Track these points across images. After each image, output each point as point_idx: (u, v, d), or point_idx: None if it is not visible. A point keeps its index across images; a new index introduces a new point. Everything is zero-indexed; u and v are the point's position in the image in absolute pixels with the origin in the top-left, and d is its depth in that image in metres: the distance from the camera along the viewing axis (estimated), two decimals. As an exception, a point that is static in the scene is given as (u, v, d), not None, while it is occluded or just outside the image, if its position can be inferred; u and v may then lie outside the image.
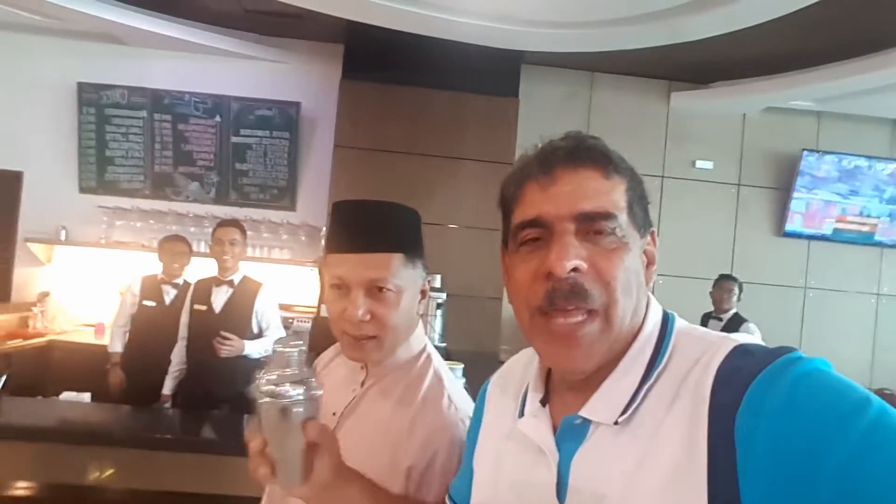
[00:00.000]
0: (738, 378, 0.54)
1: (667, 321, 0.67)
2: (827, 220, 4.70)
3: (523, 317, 0.67)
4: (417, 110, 4.18)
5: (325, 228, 4.21)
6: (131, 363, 3.35)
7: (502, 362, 1.00)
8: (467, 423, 0.92)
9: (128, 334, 3.39)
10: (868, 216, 4.70)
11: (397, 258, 0.97)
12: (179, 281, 3.41)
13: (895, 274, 4.84)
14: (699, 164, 4.70)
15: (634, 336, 0.65)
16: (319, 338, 3.96)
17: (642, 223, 0.66)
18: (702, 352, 0.60)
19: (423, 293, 1.04)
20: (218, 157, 4.52)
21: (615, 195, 0.64)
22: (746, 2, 3.08)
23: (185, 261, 3.45)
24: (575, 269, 0.61)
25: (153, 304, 3.36)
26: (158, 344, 3.17)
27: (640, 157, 4.68)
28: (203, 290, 3.09)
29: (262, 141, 4.52)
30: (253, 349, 2.98)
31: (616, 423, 0.61)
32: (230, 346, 2.90)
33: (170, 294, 3.40)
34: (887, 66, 3.63)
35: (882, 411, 0.48)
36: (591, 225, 0.62)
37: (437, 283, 3.77)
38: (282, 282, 3.24)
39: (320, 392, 0.73)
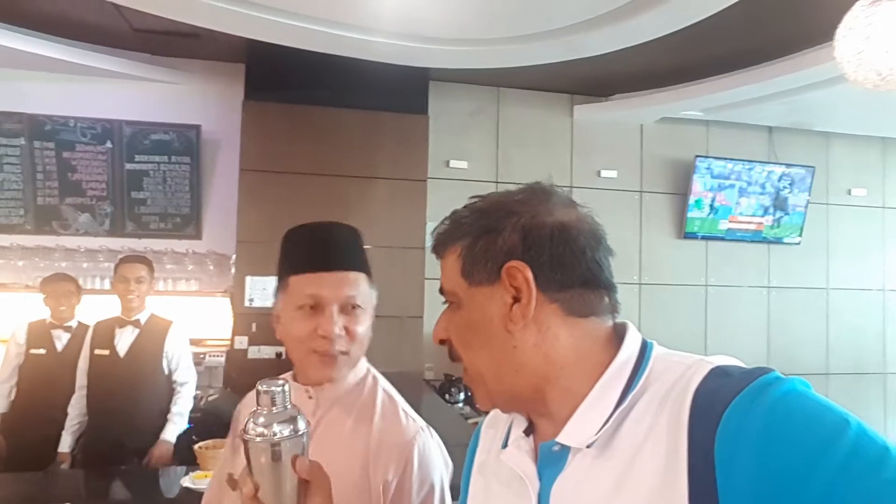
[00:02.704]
0: (715, 400, 0.55)
1: (645, 348, 0.67)
2: (721, 221, 5.04)
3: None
4: (326, 130, 4.09)
5: (234, 257, 4.01)
6: (21, 421, 2.98)
7: (427, 381, 1.03)
8: (426, 431, 1.01)
9: (14, 390, 3.03)
10: (754, 215, 5.09)
11: (363, 277, 1.04)
12: (72, 323, 3.11)
13: (781, 267, 5.26)
14: (604, 173, 4.91)
15: (607, 364, 0.66)
16: (233, 371, 3.75)
17: (483, 272, 0.68)
18: (679, 375, 0.61)
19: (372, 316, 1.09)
20: (111, 185, 4.20)
21: (447, 271, 0.73)
22: (638, 20, 3.26)
23: (74, 301, 3.16)
24: (441, 341, 0.73)
25: (43, 351, 3.03)
26: (52, 396, 2.87)
27: (547, 169, 4.87)
28: (104, 332, 2.84)
29: (160, 167, 4.25)
30: (175, 431, 2.79)
31: (589, 446, 0.62)
32: (159, 455, 2.72)
33: (62, 339, 3.09)
34: (764, 78, 3.96)
35: (859, 434, 0.49)
36: (445, 299, 0.74)
37: (357, 306, 3.69)
38: (190, 315, 3.04)
39: (307, 428, 0.74)
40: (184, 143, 4.31)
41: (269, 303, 4.01)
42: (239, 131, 4.07)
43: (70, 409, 2.84)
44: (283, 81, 4.02)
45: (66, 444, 2.80)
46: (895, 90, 2.68)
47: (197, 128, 4.30)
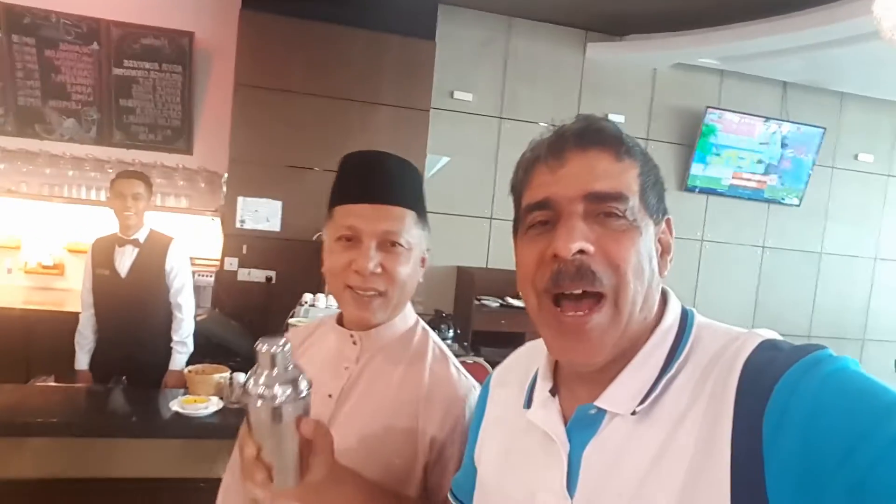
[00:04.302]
0: (766, 373, 0.53)
1: (686, 316, 0.66)
2: (724, 176, 4.97)
3: (531, 302, 0.65)
4: (328, 49, 3.87)
5: (225, 175, 3.88)
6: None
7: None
8: (478, 390, 0.94)
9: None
10: (760, 173, 5.01)
11: (410, 215, 0.96)
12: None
13: (778, 228, 5.24)
14: (611, 117, 4.72)
15: (652, 329, 0.63)
16: (222, 293, 3.71)
17: (656, 209, 0.64)
18: (725, 345, 0.59)
19: (423, 261, 1.01)
20: (98, 90, 3.98)
21: (627, 178, 0.62)
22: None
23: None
24: (581, 252, 0.60)
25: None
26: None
27: (555, 108, 4.72)
28: (104, 250, 2.75)
29: (150, 74, 4.03)
30: (182, 359, 2.78)
31: (634, 413, 0.59)
32: (173, 385, 2.67)
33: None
34: (790, 30, 3.78)
35: None
36: (601, 206, 0.61)
37: (351, 236, 3.61)
38: (179, 232, 2.94)
39: (309, 388, 0.71)
40: (176, 50, 4.07)
41: (261, 225, 3.97)
42: (234, 43, 3.85)
43: (81, 328, 2.79)
44: (284, -9, 3.77)
45: (83, 363, 2.77)
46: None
47: (190, 35, 4.06)
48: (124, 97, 4.02)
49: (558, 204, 0.62)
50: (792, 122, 4.97)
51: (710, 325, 0.65)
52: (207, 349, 2.90)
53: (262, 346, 0.68)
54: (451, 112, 4.46)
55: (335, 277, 0.95)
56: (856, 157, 5.34)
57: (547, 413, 0.67)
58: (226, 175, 3.91)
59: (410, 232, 0.95)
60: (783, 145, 4.98)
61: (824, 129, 5.01)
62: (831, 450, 0.47)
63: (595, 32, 4.70)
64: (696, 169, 4.88)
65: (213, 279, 3.80)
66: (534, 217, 0.64)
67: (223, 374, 2.30)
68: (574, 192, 0.61)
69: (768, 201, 5.15)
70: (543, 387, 0.70)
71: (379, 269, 0.92)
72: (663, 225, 0.66)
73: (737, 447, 0.52)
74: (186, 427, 2.02)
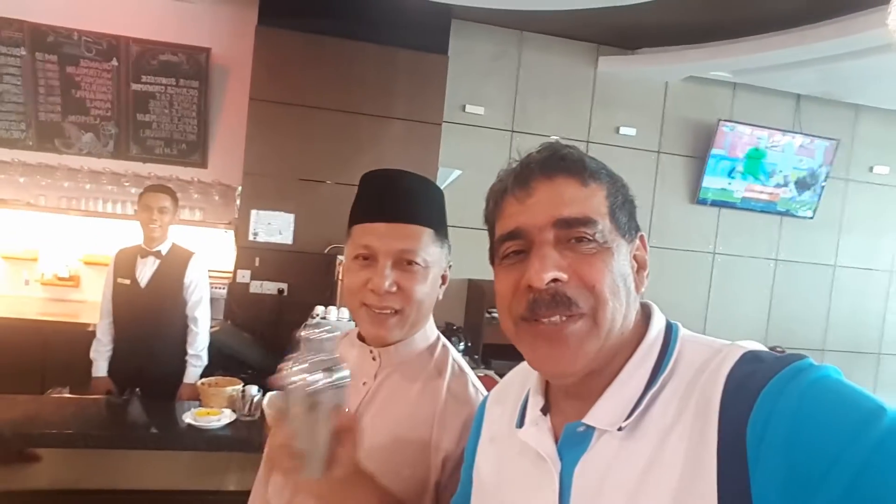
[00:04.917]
0: (749, 384, 0.54)
1: (670, 329, 0.66)
2: (737, 189, 4.94)
3: (508, 326, 0.67)
4: (341, 63, 3.92)
5: (239, 189, 3.93)
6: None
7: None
8: None
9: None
10: (773, 186, 4.98)
11: (428, 233, 0.95)
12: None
13: (791, 241, 5.19)
14: (623, 130, 4.76)
15: (636, 344, 0.64)
16: (235, 305, 3.74)
17: (627, 228, 0.66)
18: (708, 358, 0.60)
19: (444, 278, 1.01)
20: (116, 106, 4.06)
21: (594, 201, 0.64)
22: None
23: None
24: (555, 280, 0.61)
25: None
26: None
27: (567, 121, 4.74)
28: (126, 261, 2.83)
29: (167, 90, 4.11)
30: (197, 372, 2.81)
31: (620, 429, 0.60)
32: (188, 398, 2.71)
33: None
34: (803, 42, 3.77)
35: (895, 421, 0.48)
36: (570, 232, 0.62)
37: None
38: (192, 245, 2.98)
39: (349, 378, 0.72)
40: (193, 66, 4.15)
41: (273, 238, 4.00)
42: (250, 58, 3.91)
43: (100, 335, 2.84)
44: (299, 8, 3.83)
45: (102, 370, 2.81)
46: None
47: (207, 51, 4.13)
48: (141, 112, 4.10)
49: (529, 233, 0.63)
50: (805, 135, 4.93)
51: (693, 339, 0.65)
52: (219, 361, 2.93)
53: (308, 333, 0.70)
54: (462, 126, 4.49)
55: (352, 295, 0.95)
56: (871, 169, 5.29)
57: (538, 432, 0.68)
58: (240, 188, 3.96)
59: (427, 250, 0.94)
60: (797, 158, 4.95)
61: (837, 140, 4.98)
62: (816, 459, 0.48)
63: (607, 46, 4.71)
64: (708, 181, 4.86)
65: (225, 291, 3.84)
66: (507, 247, 0.66)
67: (236, 387, 2.32)
68: (543, 220, 0.63)
69: (781, 214, 5.11)
70: (535, 406, 0.70)
71: (394, 288, 0.92)
72: (637, 242, 0.67)
73: (722, 459, 0.52)
74: (199, 439, 2.04)
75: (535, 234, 0.63)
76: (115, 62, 4.02)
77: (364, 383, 0.99)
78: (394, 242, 0.92)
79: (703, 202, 4.92)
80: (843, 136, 5.06)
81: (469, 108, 4.51)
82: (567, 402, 0.67)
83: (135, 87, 4.07)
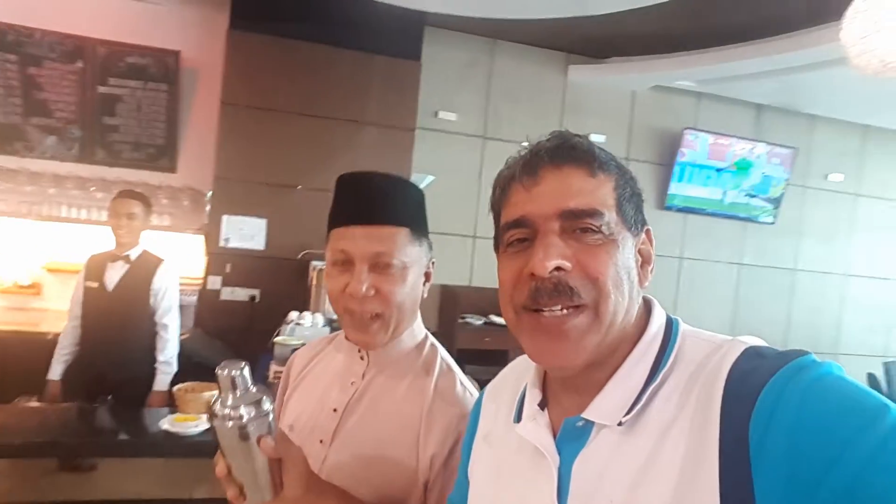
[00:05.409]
0: (751, 381, 0.54)
1: (671, 325, 0.66)
2: (702, 195, 5.08)
3: (509, 316, 0.66)
4: (314, 68, 3.91)
5: (210, 194, 3.87)
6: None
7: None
8: None
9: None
10: (737, 193, 5.14)
11: (403, 233, 0.94)
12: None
13: (755, 246, 5.36)
14: (593, 137, 4.76)
15: (637, 338, 0.64)
16: (205, 312, 3.68)
17: (634, 221, 0.65)
18: (709, 354, 0.60)
19: (428, 276, 1.00)
20: (81, 108, 3.96)
21: (601, 192, 0.63)
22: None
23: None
24: (559, 269, 0.60)
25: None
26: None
27: (538, 128, 4.69)
28: (97, 265, 2.79)
29: (134, 92, 4.03)
30: (167, 380, 2.76)
31: (620, 423, 0.60)
32: (157, 406, 2.67)
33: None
34: (764, 54, 3.92)
35: None
36: (577, 222, 0.61)
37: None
38: (162, 251, 2.93)
39: (271, 407, 0.74)
40: (161, 68, 4.08)
41: (245, 244, 3.96)
42: (221, 61, 3.88)
43: (62, 338, 2.79)
44: (271, 12, 3.81)
45: (55, 373, 2.75)
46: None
47: (176, 54, 4.07)
48: (108, 115, 4.01)
49: (534, 222, 0.62)
50: (766, 143, 5.12)
51: (694, 334, 0.65)
52: (189, 369, 2.88)
53: (223, 371, 0.71)
54: (435, 132, 4.52)
55: (335, 301, 0.95)
56: (826, 176, 5.51)
57: (536, 427, 0.67)
58: (210, 193, 3.90)
59: (404, 251, 0.93)
60: (758, 165, 5.12)
61: (796, 149, 5.17)
62: (818, 456, 0.48)
63: (576, 55, 4.81)
64: (674, 188, 4.99)
65: (195, 298, 3.77)
66: (511, 235, 0.65)
67: (213, 392, 2.28)
68: (549, 209, 0.62)
69: (744, 220, 5.27)
70: (532, 400, 0.70)
71: (372, 292, 0.91)
72: (643, 235, 0.66)
73: (724, 455, 0.52)
74: (176, 446, 2.01)
75: (540, 223, 0.62)
76: (80, 64, 3.92)
77: (352, 383, 1.00)
78: (368, 245, 0.91)
79: (670, 208, 5.05)
80: (801, 144, 5.26)
81: (442, 115, 4.54)
82: (566, 395, 0.67)
83: (101, 89, 3.98)
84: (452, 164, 4.53)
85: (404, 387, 0.97)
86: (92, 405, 2.51)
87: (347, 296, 0.92)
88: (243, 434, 0.71)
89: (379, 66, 4.04)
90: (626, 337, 0.63)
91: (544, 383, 0.71)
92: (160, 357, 2.77)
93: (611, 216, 0.62)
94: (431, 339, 1.06)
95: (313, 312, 3.06)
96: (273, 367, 2.51)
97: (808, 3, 3.42)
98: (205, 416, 2.13)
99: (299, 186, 3.87)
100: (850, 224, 5.64)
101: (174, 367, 2.81)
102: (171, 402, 2.56)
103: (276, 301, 3.62)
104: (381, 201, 0.94)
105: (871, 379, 4.20)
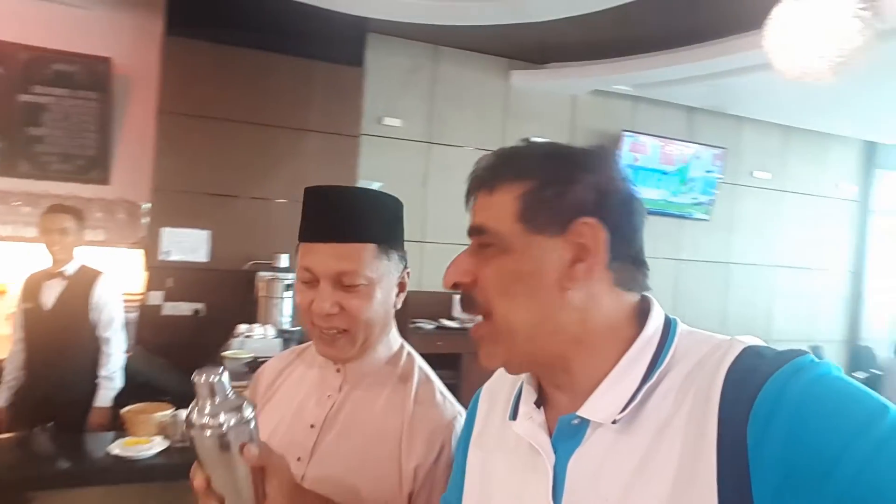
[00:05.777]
0: (749, 380, 0.54)
1: (669, 324, 0.66)
2: (652, 197, 5.27)
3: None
4: (255, 75, 3.83)
5: (147, 206, 3.72)
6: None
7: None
8: (464, 416, 0.91)
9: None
10: (672, 191, 5.36)
11: (369, 249, 0.92)
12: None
13: (691, 242, 5.60)
14: (535, 140, 4.95)
15: (634, 338, 0.63)
16: (147, 329, 3.53)
17: (548, 223, 0.63)
18: (708, 352, 0.60)
19: (402, 286, 0.99)
20: (1, 118, 3.73)
21: (495, 209, 0.66)
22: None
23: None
24: (456, 285, 0.66)
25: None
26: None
27: (482, 133, 4.86)
28: (33, 284, 2.67)
29: (61, 101, 3.82)
30: (109, 395, 2.65)
31: (615, 421, 0.59)
32: (98, 424, 2.57)
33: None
34: (695, 60, 4.11)
35: None
36: (478, 239, 0.66)
37: (284, 264, 3.55)
38: (98, 267, 2.80)
39: (253, 415, 0.71)
40: (91, 76, 3.89)
41: (188, 256, 3.83)
42: (156, 69, 3.73)
43: (7, 363, 2.66)
44: (209, 18, 3.70)
45: (1, 400, 2.62)
46: (814, 82, 2.86)
47: (107, 61, 3.90)
48: (32, 125, 3.79)
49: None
50: (698, 144, 5.36)
51: (692, 333, 0.65)
52: (132, 389, 2.76)
53: (201, 377, 0.68)
54: (380, 138, 4.50)
55: (303, 315, 0.95)
56: (752, 174, 5.82)
57: (532, 425, 0.67)
58: (147, 205, 3.75)
59: (370, 267, 0.92)
60: (691, 164, 5.36)
61: (726, 148, 5.44)
62: (818, 457, 0.48)
63: (518, 60, 4.90)
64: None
65: (136, 314, 3.61)
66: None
67: (165, 413, 2.19)
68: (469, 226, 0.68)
69: (680, 217, 5.50)
70: (528, 398, 0.70)
71: (336, 310, 0.90)
72: (573, 230, 0.63)
73: (722, 454, 0.52)
74: (130, 471, 1.90)
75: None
76: (0, 70, 3.70)
77: (328, 396, 0.98)
78: (332, 263, 0.90)
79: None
80: (730, 144, 5.54)
81: (386, 121, 4.53)
82: (561, 395, 0.67)
83: (24, 97, 3.76)
84: (399, 170, 4.52)
85: (383, 399, 0.97)
86: (30, 432, 2.36)
87: (313, 312, 0.91)
88: (223, 443, 0.68)
89: (322, 72, 3.99)
90: (566, 338, 0.63)
91: (540, 381, 0.71)
92: (101, 371, 2.66)
93: (505, 227, 0.65)
94: (408, 347, 1.06)
95: (263, 324, 2.99)
96: (223, 384, 2.43)
97: (736, 12, 3.61)
98: (158, 438, 2.04)
99: (244, 196, 3.77)
100: (777, 218, 5.98)
101: (118, 383, 2.69)
102: (115, 424, 2.45)
103: (222, 314, 3.51)
104: (346, 218, 0.92)
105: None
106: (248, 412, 0.70)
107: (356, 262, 0.91)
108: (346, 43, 4.06)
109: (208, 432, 0.67)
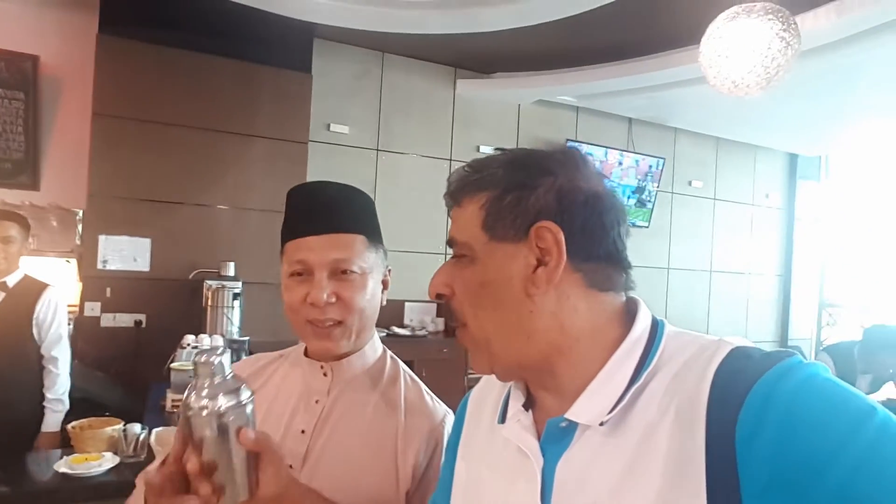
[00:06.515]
0: (738, 381, 0.53)
1: (656, 326, 0.66)
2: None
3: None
4: (198, 78, 3.72)
5: (81, 213, 3.55)
6: None
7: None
8: (452, 415, 0.94)
9: None
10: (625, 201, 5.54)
11: (360, 240, 0.95)
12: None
13: (633, 248, 5.73)
14: (483, 149, 5.03)
15: (621, 340, 0.63)
16: (84, 341, 3.37)
17: (507, 230, 0.64)
18: (695, 353, 0.60)
19: (385, 283, 1.00)
20: (-83, 119, 3.49)
21: (462, 221, 0.68)
22: (530, 2, 3.35)
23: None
24: (440, 295, 0.68)
25: None
26: None
27: (429, 141, 4.89)
28: None
29: (-17, 101, 3.61)
30: (58, 419, 2.48)
31: (602, 424, 0.59)
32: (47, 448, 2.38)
33: None
34: (634, 73, 4.28)
35: (886, 421, 0.49)
36: (454, 249, 0.68)
37: (231, 272, 3.45)
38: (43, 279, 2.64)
39: (251, 398, 0.70)
40: (15, 74, 3.68)
41: (127, 265, 3.67)
42: (89, 69, 3.56)
43: None
44: (146, 18, 3.57)
45: None
46: (744, 95, 3.03)
47: (34, 59, 3.70)
48: (-48, 126, 3.55)
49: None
50: (637, 154, 5.57)
51: (679, 335, 0.65)
52: (71, 404, 2.61)
53: (201, 357, 0.68)
54: (328, 145, 4.46)
55: (295, 313, 0.93)
56: (689, 183, 6.10)
57: (520, 428, 0.67)
58: (81, 212, 3.57)
59: (362, 257, 0.94)
60: (632, 174, 5.57)
61: (663, 158, 5.68)
62: (808, 459, 0.48)
63: (464, 69, 4.96)
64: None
65: (71, 327, 3.42)
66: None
67: (115, 427, 2.07)
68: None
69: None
70: (516, 401, 0.70)
71: (333, 299, 0.91)
72: (531, 235, 0.63)
73: (711, 455, 0.52)
74: (78, 489, 1.79)
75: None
76: (-86, 68, 3.45)
77: (317, 401, 0.96)
78: (327, 253, 0.91)
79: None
80: (667, 154, 5.79)
81: (334, 128, 4.49)
82: (549, 397, 0.66)
83: (-57, 97, 3.52)
84: (346, 177, 4.34)
85: (373, 402, 0.97)
86: None
87: (308, 305, 0.91)
88: (221, 425, 0.66)
89: (267, 77, 3.92)
90: (550, 344, 0.63)
91: (528, 384, 0.71)
92: (49, 394, 2.49)
93: (472, 237, 0.67)
94: (390, 352, 1.07)
95: (210, 335, 2.89)
96: (170, 396, 2.34)
97: (674, 28, 3.79)
98: (108, 454, 1.93)
99: (187, 203, 3.65)
100: (711, 225, 6.28)
101: (66, 405, 2.53)
102: (62, 443, 2.31)
103: (165, 325, 3.38)
104: (336, 209, 0.94)
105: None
106: (245, 395, 0.69)
107: (350, 251, 0.93)
108: (292, 48, 4.01)
109: (205, 413, 0.66)
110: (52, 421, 2.48)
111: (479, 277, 0.65)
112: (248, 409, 0.69)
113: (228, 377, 0.68)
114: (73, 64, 3.75)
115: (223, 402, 0.67)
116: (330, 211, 0.94)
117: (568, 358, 0.63)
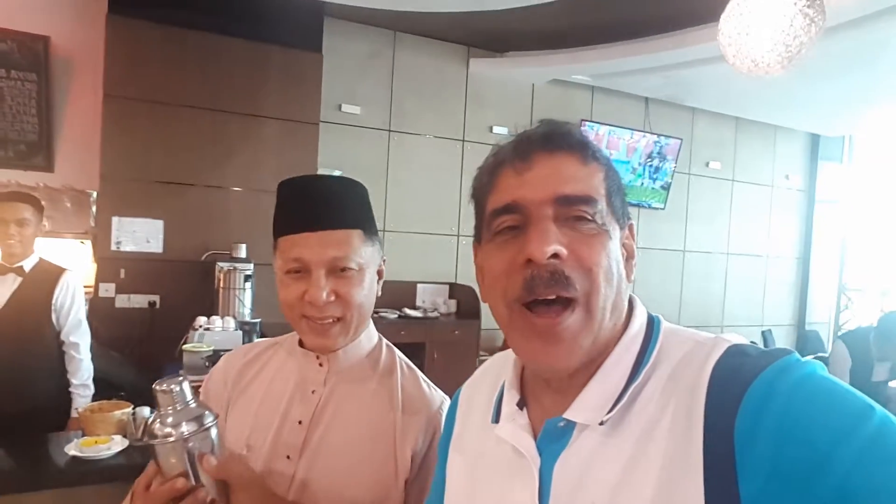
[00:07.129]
0: (735, 380, 0.53)
1: (652, 322, 0.65)
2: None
3: (500, 312, 0.63)
4: (208, 59, 3.69)
5: (95, 194, 3.57)
6: None
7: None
8: (448, 401, 0.93)
9: None
10: (630, 181, 5.47)
11: (357, 234, 0.93)
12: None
13: (648, 230, 5.73)
14: (496, 129, 4.97)
15: (618, 337, 0.62)
16: (99, 322, 3.40)
17: (621, 214, 0.63)
18: (692, 351, 0.59)
19: (380, 273, 0.99)
20: (-69, 100, 3.51)
21: (594, 181, 0.61)
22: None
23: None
24: (555, 255, 0.57)
25: None
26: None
27: (442, 120, 4.84)
28: None
29: (-4, 82, 3.62)
30: (85, 403, 2.44)
31: (601, 423, 0.58)
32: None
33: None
34: (651, 51, 4.18)
35: (884, 420, 0.48)
36: (571, 210, 0.59)
37: (243, 254, 3.46)
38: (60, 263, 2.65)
39: (215, 422, 0.71)
40: (28, 56, 3.68)
41: (141, 247, 3.68)
42: (99, 50, 3.56)
43: None
44: (159, -3, 3.55)
45: None
46: (764, 75, 2.95)
47: (45, 39, 3.69)
48: (-35, 108, 3.57)
49: (527, 208, 0.60)
50: (654, 134, 5.47)
51: (676, 331, 0.64)
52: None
53: (161, 385, 0.68)
54: (340, 125, 4.43)
55: (291, 309, 0.92)
56: (707, 164, 5.99)
57: (515, 427, 0.65)
58: (95, 193, 3.59)
59: (359, 252, 0.92)
60: (649, 154, 5.48)
61: (681, 139, 5.58)
62: (807, 457, 0.47)
63: (477, 48, 4.88)
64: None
65: (86, 308, 3.46)
66: (501, 222, 0.62)
67: (125, 410, 2.09)
68: (543, 195, 0.59)
69: (637, 206, 5.62)
70: (511, 400, 0.68)
71: (332, 297, 0.90)
72: (627, 230, 0.65)
73: (709, 454, 0.51)
74: (88, 472, 1.81)
75: (533, 209, 0.59)
76: (-72, 50, 3.47)
77: (313, 392, 0.96)
78: (325, 251, 0.89)
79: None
80: (684, 135, 5.68)
81: (345, 108, 4.46)
82: (548, 395, 0.65)
83: (-45, 79, 3.54)
84: (358, 158, 4.46)
85: (370, 391, 0.96)
86: None
87: (306, 303, 0.89)
88: (187, 452, 0.67)
89: (278, 57, 3.88)
90: (614, 334, 0.62)
91: (522, 383, 0.69)
92: (74, 380, 2.49)
93: (602, 205, 0.60)
94: (385, 340, 1.06)
95: (223, 316, 2.91)
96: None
97: (691, 5, 3.68)
98: (118, 437, 1.96)
99: (198, 184, 3.65)
100: (728, 207, 6.18)
101: (92, 390, 2.54)
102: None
103: (179, 306, 3.41)
104: (331, 205, 0.92)
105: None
106: (208, 420, 0.70)
107: (347, 248, 0.91)
108: (303, 27, 3.96)
109: (170, 440, 0.67)
110: (81, 405, 2.45)
111: (613, 251, 0.60)
112: (213, 433, 0.70)
113: (190, 403, 0.69)
114: (84, 45, 3.74)
115: (186, 428, 0.67)
116: (326, 206, 0.92)
117: None
